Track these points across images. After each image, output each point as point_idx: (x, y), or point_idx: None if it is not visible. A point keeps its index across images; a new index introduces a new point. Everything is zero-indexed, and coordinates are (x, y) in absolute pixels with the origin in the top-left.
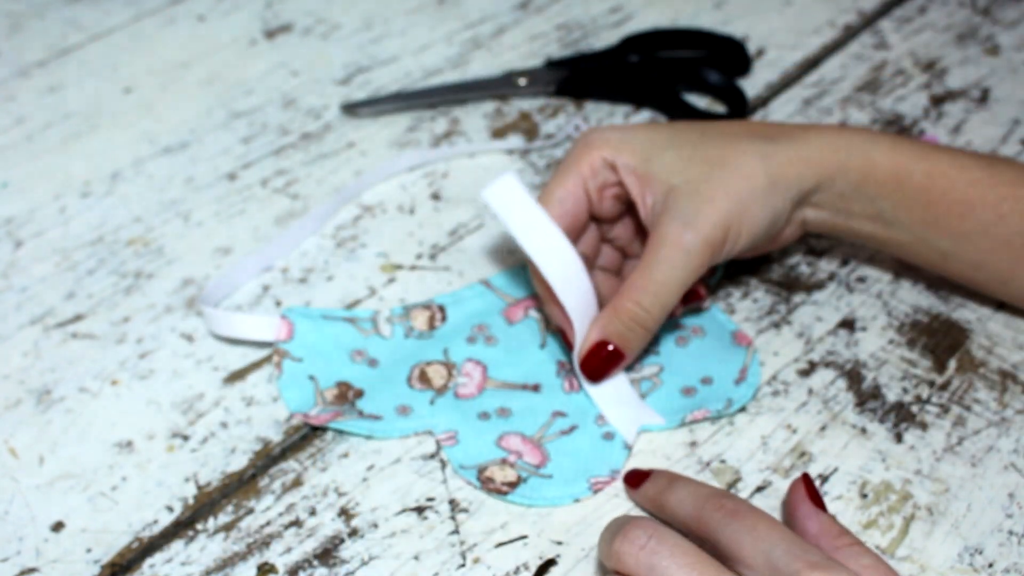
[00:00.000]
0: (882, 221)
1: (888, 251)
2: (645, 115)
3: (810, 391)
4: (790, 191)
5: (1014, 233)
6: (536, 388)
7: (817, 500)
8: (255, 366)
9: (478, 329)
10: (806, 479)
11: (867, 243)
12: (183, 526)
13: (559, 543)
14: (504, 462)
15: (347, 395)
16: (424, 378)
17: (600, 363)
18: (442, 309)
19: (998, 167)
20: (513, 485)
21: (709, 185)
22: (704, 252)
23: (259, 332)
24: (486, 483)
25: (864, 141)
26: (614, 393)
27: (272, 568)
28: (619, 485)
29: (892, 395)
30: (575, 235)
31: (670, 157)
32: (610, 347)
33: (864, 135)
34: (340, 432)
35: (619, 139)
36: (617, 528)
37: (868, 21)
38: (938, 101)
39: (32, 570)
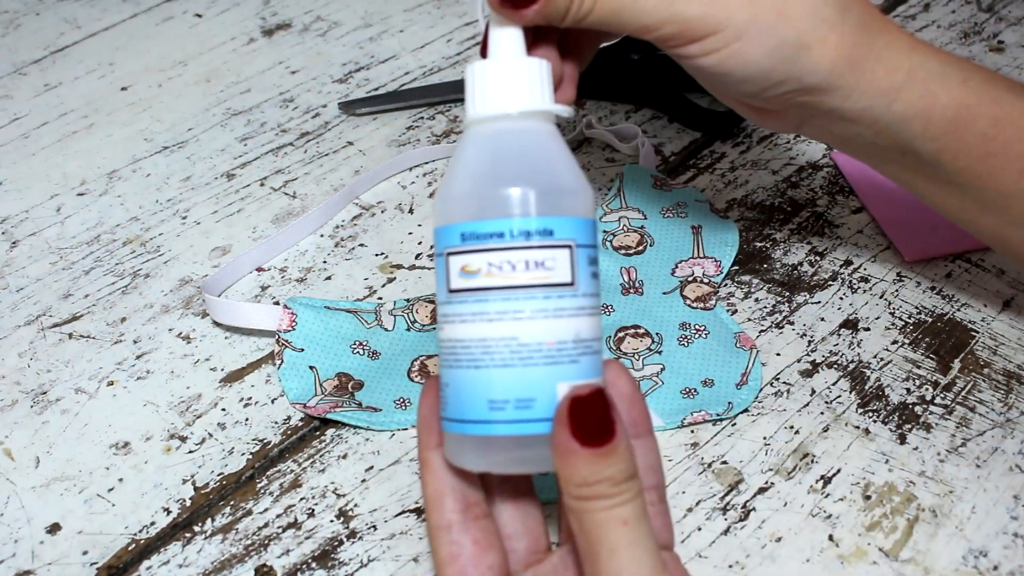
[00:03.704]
0: (915, 160)
1: (898, 183)
2: (646, 114)
3: (812, 392)
4: (806, 79)
5: None
6: None
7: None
8: (253, 367)
9: None
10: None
11: (885, 174)
12: (180, 528)
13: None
14: None
15: (347, 386)
16: (425, 371)
17: None
18: None
19: None
20: None
21: None
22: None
23: (261, 321)
24: None
25: (932, 70)
26: None
27: (270, 571)
28: None
29: (895, 396)
30: None
31: None
32: None
33: (936, 61)
34: (339, 434)
35: None
36: None
37: None
38: None
39: (28, 573)
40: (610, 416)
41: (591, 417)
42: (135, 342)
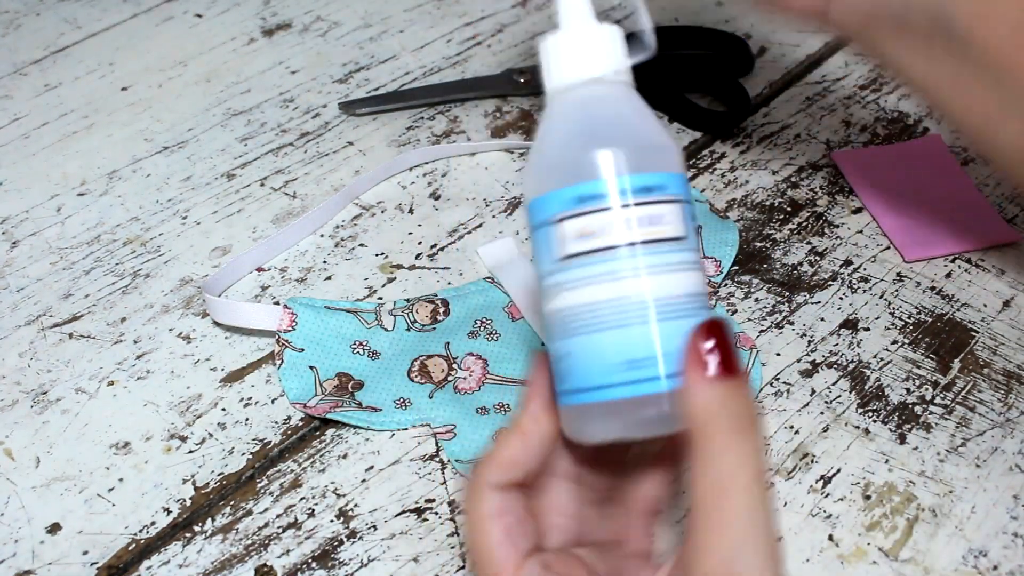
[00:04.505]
0: (946, 39)
1: (920, 87)
2: None
3: (812, 392)
4: None
5: None
6: None
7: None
8: (253, 366)
9: (480, 324)
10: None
11: (911, 68)
12: (181, 528)
13: None
14: None
15: (347, 386)
16: (424, 371)
17: None
18: (445, 303)
19: None
20: None
21: None
22: None
23: (262, 321)
24: None
25: None
26: None
27: (270, 570)
28: None
29: (895, 396)
30: None
31: None
32: None
33: None
34: (339, 433)
35: None
36: None
37: None
38: None
39: (28, 572)
40: (735, 350)
41: (721, 343)
42: (135, 342)
